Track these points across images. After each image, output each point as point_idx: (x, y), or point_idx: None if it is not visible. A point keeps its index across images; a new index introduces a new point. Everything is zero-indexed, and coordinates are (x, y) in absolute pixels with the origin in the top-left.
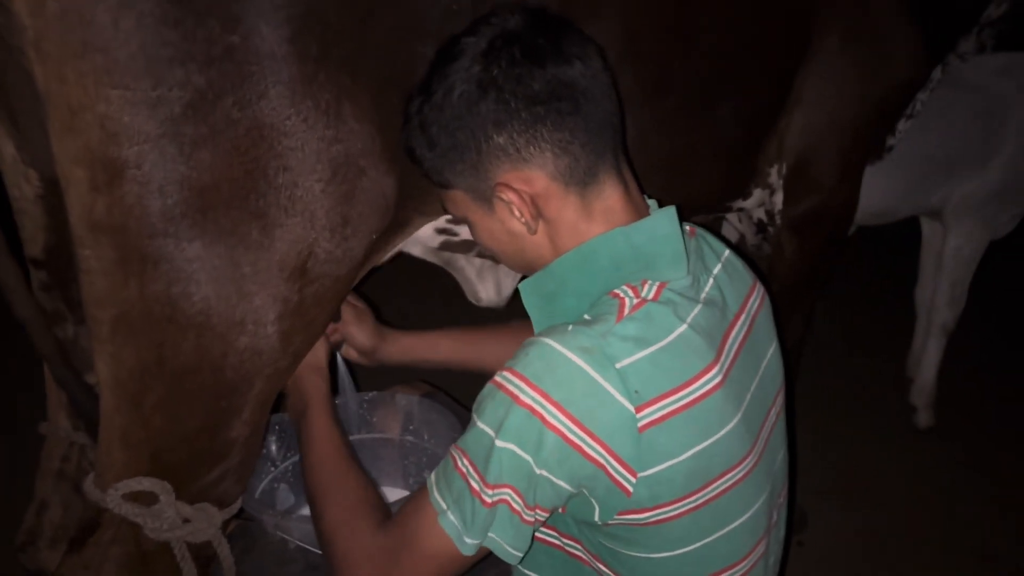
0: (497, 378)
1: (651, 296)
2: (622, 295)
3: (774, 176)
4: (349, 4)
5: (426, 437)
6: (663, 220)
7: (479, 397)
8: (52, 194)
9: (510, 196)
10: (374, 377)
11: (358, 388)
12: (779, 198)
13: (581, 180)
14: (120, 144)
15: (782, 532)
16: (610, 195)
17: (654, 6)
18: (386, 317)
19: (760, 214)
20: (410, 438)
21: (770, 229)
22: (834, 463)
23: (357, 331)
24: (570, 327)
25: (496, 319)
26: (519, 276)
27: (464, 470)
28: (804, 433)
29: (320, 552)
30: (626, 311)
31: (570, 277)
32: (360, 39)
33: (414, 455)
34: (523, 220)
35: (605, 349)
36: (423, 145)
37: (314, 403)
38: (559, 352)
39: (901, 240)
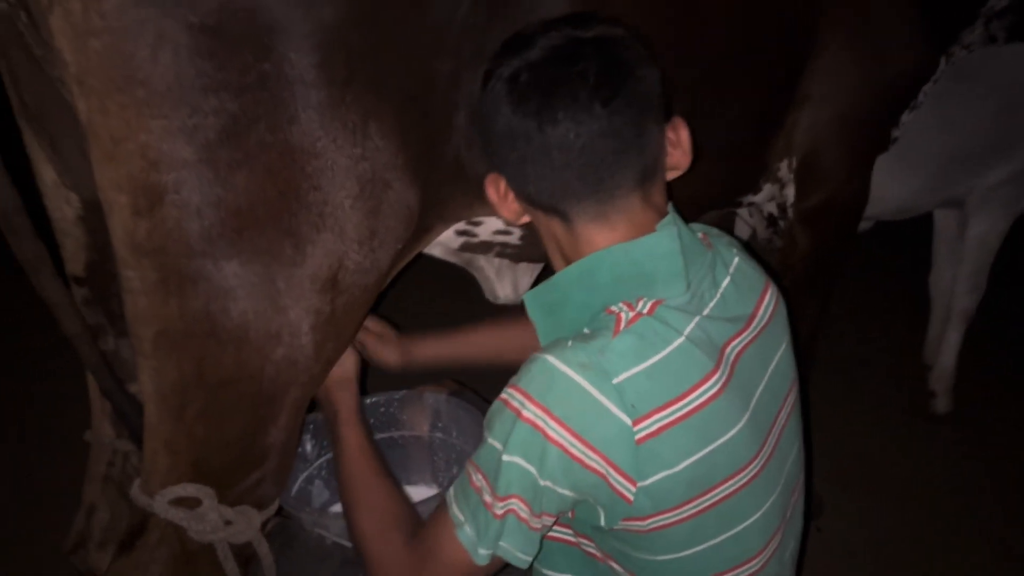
0: (503, 395)
1: (646, 311)
2: (617, 311)
3: (784, 170)
4: (371, 28)
5: (454, 434)
6: (664, 239)
7: (488, 413)
8: (92, 215)
9: (490, 192)
10: (404, 376)
11: (390, 387)
12: (790, 191)
13: (551, 210)
14: (160, 171)
15: (798, 525)
16: (589, 229)
17: (662, 6)
18: (397, 318)
19: (771, 208)
20: (439, 435)
21: (781, 223)
22: (851, 450)
23: (384, 353)
24: (569, 343)
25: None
26: (535, 275)
27: (478, 484)
28: (821, 420)
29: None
30: (622, 326)
31: (572, 290)
32: (382, 60)
33: (442, 451)
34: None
35: (602, 365)
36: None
37: (345, 417)
38: (558, 369)
39: (908, 230)
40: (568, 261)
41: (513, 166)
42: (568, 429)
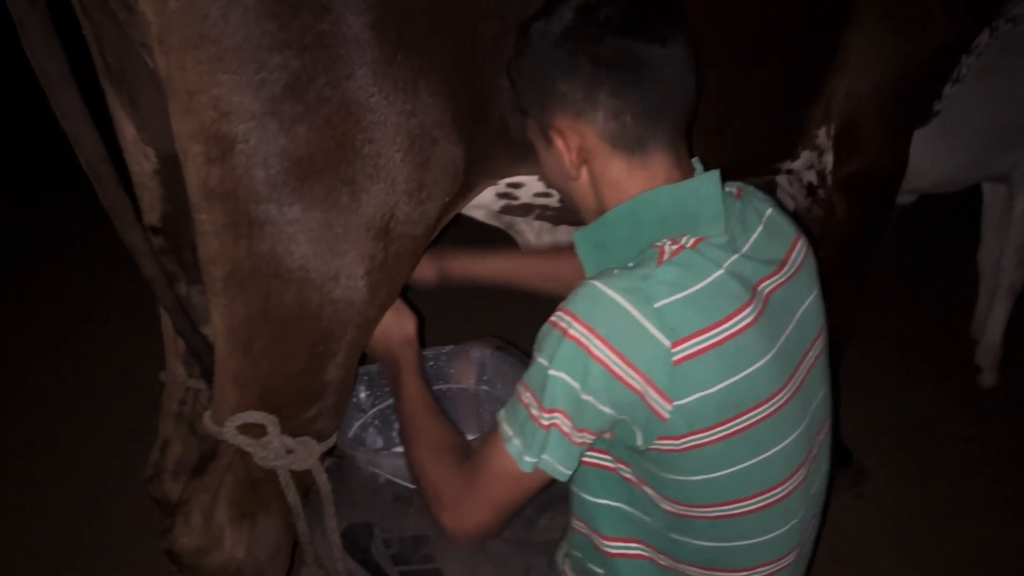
0: (552, 317)
1: (689, 245)
2: (661, 244)
3: (823, 137)
4: None
5: (499, 387)
6: (707, 182)
7: (538, 335)
8: (167, 169)
9: (557, 140)
10: (450, 333)
11: (438, 343)
12: (829, 159)
13: (627, 147)
14: (230, 122)
15: (824, 467)
16: (657, 164)
17: None
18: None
19: (810, 176)
20: (485, 387)
21: (820, 192)
22: (896, 422)
23: (420, 268)
24: (615, 271)
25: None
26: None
27: (527, 400)
28: (865, 392)
29: (407, 485)
30: (665, 257)
31: (619, 228)
32: (432, 22)
33: (488, 403)
34: (567, 165)
35: (645, 290)
36: (515, 70)
37: (407, 367)
38: (604, 292)
39: (957, 203)
40: (604, 208)
41: (604, 96)
42: (611, 347)
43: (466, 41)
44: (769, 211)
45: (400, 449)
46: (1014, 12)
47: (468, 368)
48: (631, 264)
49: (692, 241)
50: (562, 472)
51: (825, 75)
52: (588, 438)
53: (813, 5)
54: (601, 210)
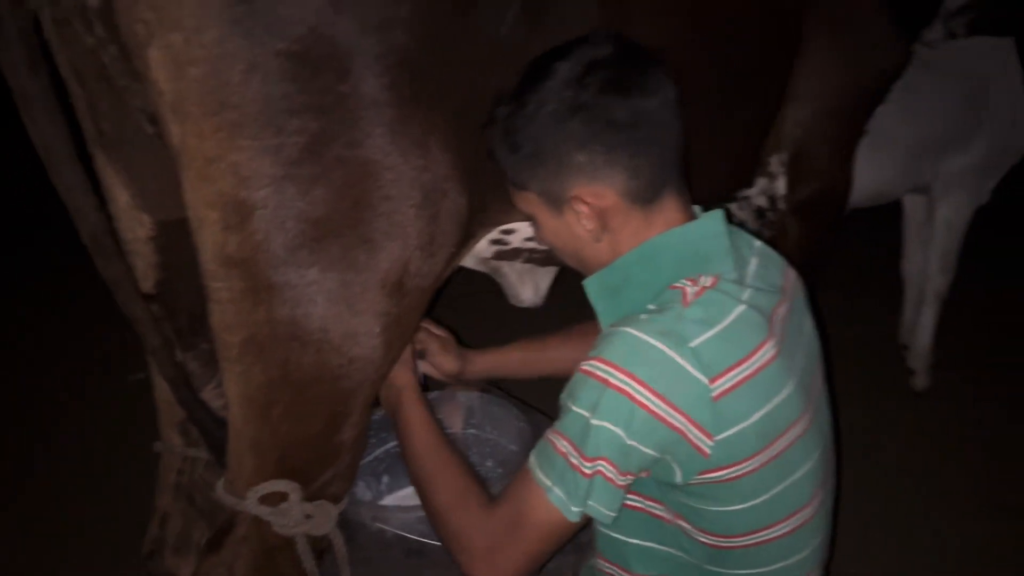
0: (585, 367)
1: (709, 284)
2: (682, 286)
3: (775, 164)
4: (432, 47)
5: (488, 429)
6: (713, 221)
7: (570, 385)
8: (163, 235)
9: (582, 208)
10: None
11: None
12: (781, 184)
13: (647, 199)
14: (250, 187)
15: (833, 483)
16: (669, 208)
17: (677, 21)
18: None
19: (761, 201)
20: (473, 431)
21: (769, 215)
22: (840, 426)
23: (443, 360)
24: (643, 316)
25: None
26: (553, 277)
27: (564, 450)
28: None
29: (416, 539)
30: (690, 298)
31: (633, 272)
32: (439, 76)
33: (476, 447)
34: (590, 228)
35: (679, 332)
36: (506, 148)
37: (409, 397)
38: (640, 338)
39: (880, 217)
40: (608, 255)
41: (624, 157)
42: (653, 392)
43: (468, 93)
44: (758, 243)
45: (408, 503)
46: (930, 38)
47: (455, 412)
48: (652, 307)
49: (711, 280)
50: (607, 516)
51: (777, 105)
52: (631, 480)
53: (768, 43)
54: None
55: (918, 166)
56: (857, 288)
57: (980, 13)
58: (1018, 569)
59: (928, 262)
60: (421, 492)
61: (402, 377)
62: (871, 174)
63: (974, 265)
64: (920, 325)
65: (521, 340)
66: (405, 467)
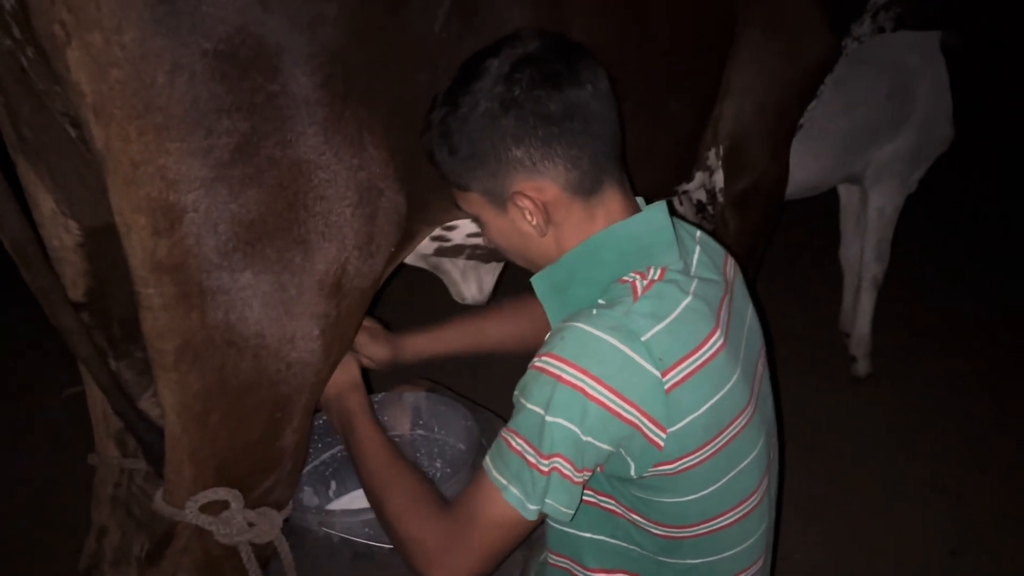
0: (538, 363)
1: (657, 277)
2: (631, 280)
3: (712, 159)
4: (363, 43)
5: (436, 429)
6: (656, 213)
7: (522, 383)
8: (91, 242)
9: (525, 203)
10: (379, 379)
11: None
12: (719, 177)
13: (588, 189)
14: (179, 191)
15: (775, 468)
16: (611, 199)
17: (611, 18)
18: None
19: (700, 195)
20: (420, 432)
21: (709, 208)
22: (784, 414)
23: (375, 349)
24: (594, 311)
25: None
26: (498, 274)
27: (519, 448)
28: None
29: (363, 542)
30: (639, 292)
31: (578, 269)
32: (372, 74)
33: (424, 447)
34: (534, 223)
35: (630, 326)
36: (444, 150)
37: (360, 415)
38: (591, 333)
39: (815, 207)
40: (554, 250)
41: (561, 149)
42: (607, 386)
43: (402, 89)
44: (699, 233)
45: (355, 506)
46: (858, 32)
47: (402, 414)
48: (602, 301)
49: (659, 272)
50: (565, 513)
51: (712, 100)
52: (587, 476)
53: (702, 40)
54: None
55: (849, 157)
56: (799, 277)
57: (906, 8)
58: (960, 549)
59: (863, 251)
60: (376, 505)
61: (351, 399)
62: (803, 166)
63: (911, 251)
64: (859, 312)
65: (455, 318)
66: (355, 474)
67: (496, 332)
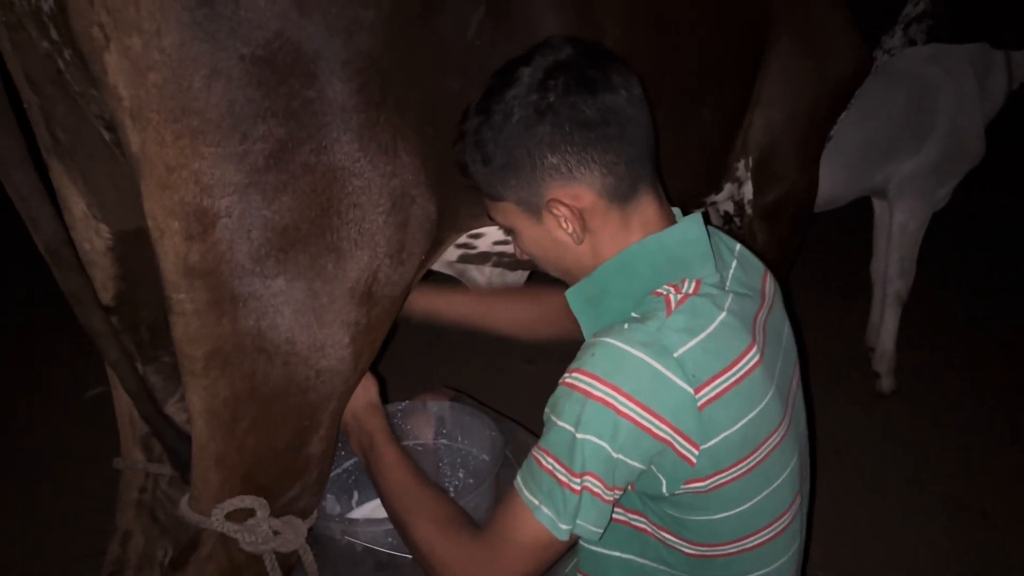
0: (568, 379)
1: (691, 291)
2: (665, 293)
3: (741, 170)
4: (397, 50)
5: (459, 439)
6: (692, 225)
7: (552, 400)
8: (121, 246)
9: (561, 210)
10: (402, 388)
11: (388, 399)
12: (748, 189)
13: (624, 196)
14: (213, 196)
15: (807, 487)
16: (647, 207)
17: (644, 26)
18: None
19: (728, 206)
20: (444, 441)
21: (736, 220)
22: (815, 432)
23: (410, 298)
24: (626, 325)
25: None
26: (524, 283)
27: (550, 467)
28: None
29: (386, 552)
30: (673, 306)
31: (612, 282)
32: (406, 81)
33: (448, 456)
34: (571, 231)
35: (662, 341)
36: (477, 160)
37: (381, 437)
38: (622, 349)
39: (852, 221)
40: (590, 259)
41: (597, 154)
42: (638, 403)
43: (434, 96)
44: (738, 247)
45: (378, 515)
46: (889, 45)
47: (426, 423)
48: (635, 315)
49: (694, 286)
50: (595, 533)
51: (743, 111)
52: (618, 495)
53: (734, 51)
54: (598, 267)
55: (869, 169)
56: (825, 289)
57: (938, 21)
58: (984, 568)
59: (888, 265)
60: (401, 527)
61: (372, 422)
62: (827, 179)
63: (937, 268)
64: (883, 328)
65: (470, 289)
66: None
67: (506, 314)
